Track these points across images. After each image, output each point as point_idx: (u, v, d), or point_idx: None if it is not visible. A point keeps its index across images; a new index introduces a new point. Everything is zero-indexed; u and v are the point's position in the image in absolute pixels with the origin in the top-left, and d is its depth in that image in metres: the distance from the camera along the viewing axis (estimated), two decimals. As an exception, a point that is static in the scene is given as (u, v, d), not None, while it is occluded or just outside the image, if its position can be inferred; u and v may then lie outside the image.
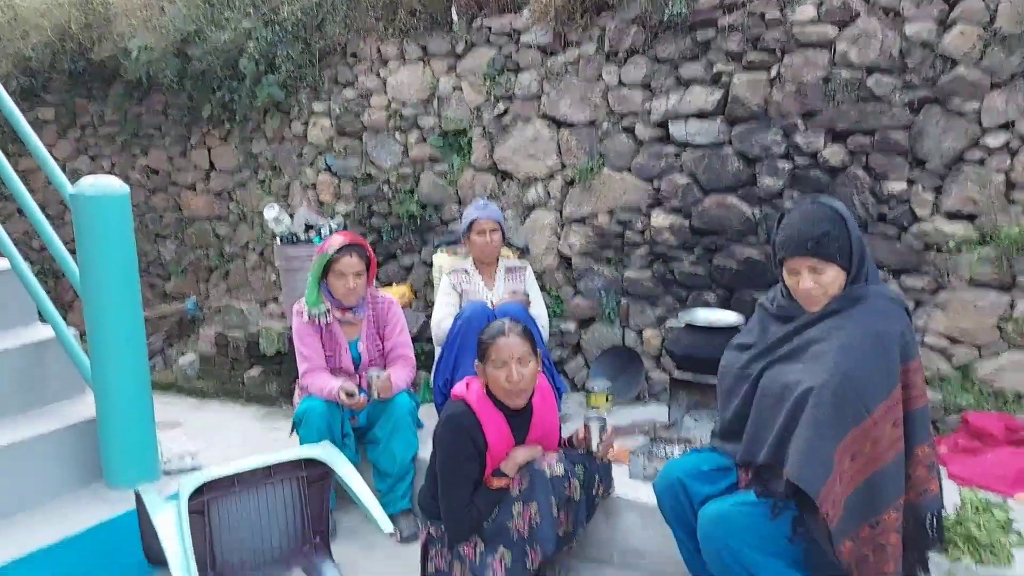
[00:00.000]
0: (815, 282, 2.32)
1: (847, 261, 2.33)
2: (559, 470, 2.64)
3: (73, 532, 2.80)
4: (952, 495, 2.67)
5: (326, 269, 3.38)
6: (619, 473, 3.10)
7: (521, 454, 2.70)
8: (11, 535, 2.76)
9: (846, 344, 2.25)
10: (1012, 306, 3.30)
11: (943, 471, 2.81)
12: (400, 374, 3.44)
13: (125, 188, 3.00)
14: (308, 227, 4.82)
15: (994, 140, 3.26)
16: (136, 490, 2.69)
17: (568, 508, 2.70)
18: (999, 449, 3.01)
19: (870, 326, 2.27)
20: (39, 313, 3.41)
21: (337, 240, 3.39)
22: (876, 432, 2.20)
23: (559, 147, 4.34)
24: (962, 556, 2.40)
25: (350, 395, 3.20)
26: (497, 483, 2.67)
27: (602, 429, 2.82)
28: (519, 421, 2.75)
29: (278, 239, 4.84)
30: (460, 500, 2.64)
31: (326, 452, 2.77)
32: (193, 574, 2.28)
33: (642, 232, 4.13)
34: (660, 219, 4.04)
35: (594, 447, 2.80)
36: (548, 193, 4.42)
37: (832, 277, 2.33)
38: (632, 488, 3.02)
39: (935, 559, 2.41)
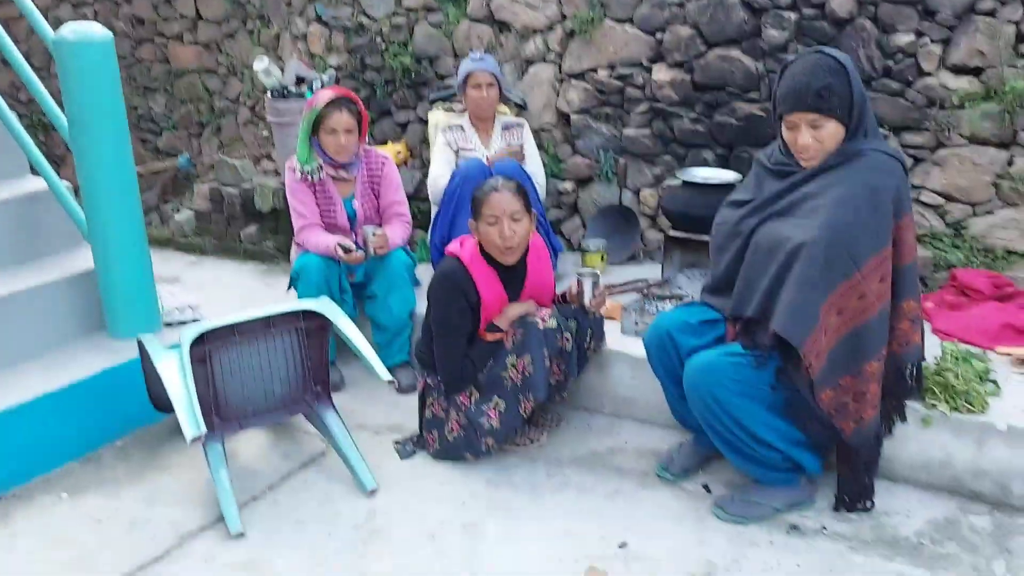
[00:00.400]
0: (813, 138, 2.31)
1: (847, 115, 2.30)
2: (552, 323, 2.70)
3: (79, 378, 2.89)
4: (935, 349, 2.75)
5: (316, 125, 3.32)
6: (611, 328, 3.17)
7: (515, 309, 2.76)
8: (18, 382, 2.85)
9: (840, 199, 2.26)
10: (1010, 163, 3.28)
11: (927, 326, 2.89)
12: (396, 231, 3.45)
13: (109, 34, 2.91)
14: (300, 80, 4.70)
15: (1008, -10, 3.14)
16: (139, 338, 2.74)
17: (561, 359, 2.77)
18: (984, 304, 3.07)
19: (866, 181, 2.27)
20: (31, 167, 3.38)
21: (326, 95, 3.31)
22: (863, 287, 2.24)
23: (559, -5, 4.18)
24: (938, 403, 2.49)
25: (347, 251, 3.22)
26: (491, 337, 2.73)
27: (594, 284, 2.85)
28: (512, 278, 2.79)
29: (269, 93, 4.73)
30: (454, 353, 2.72)
31: (324, 305, 2.81)
32: (198, 417, 2.35)
33: (642, 88, 4.04)
34: (661, 74, 3.94)
35: (586, 302, 2.85)
36: (547, 46, 4.29)
37: (830, 132, 2.31)
38: (622, 342, 3.10)
39: (912, 406, 2.51)
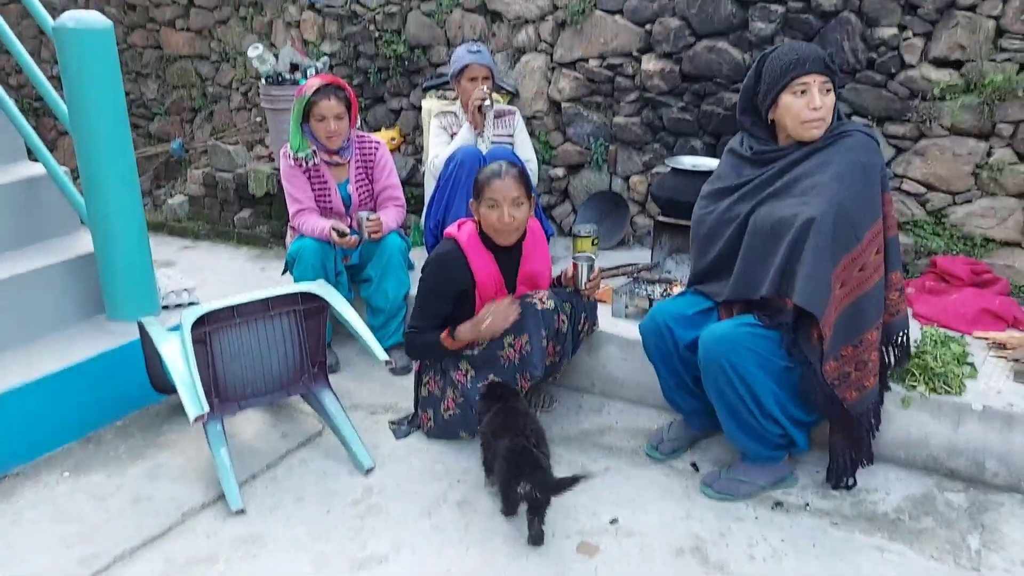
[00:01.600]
0: (823, 103, 2.38)
1: (837, 93, 2.44)
2: (550, 304, 2.77)
3: (80, 360, 2.94)
4: (915, 332, 2.84)
5: (307, 112, 3.37)
6: (602, 311, 3.25)
7: (486, 326, 2.68)
8: (19, 363, 2.89)
9: (838, 175, 2.36)
10: (989, 154, 3.37)
11: (909, 311, 2.98)
12: (390, 215, 3.51)
13: (108, 22, 2.94)
14: (294, 67, 4.75)
15: (988, -16, 3.23)
16: (140, 321, 2.80)
17: (557, 340, 2.85)
18: (964, 290, 3.16)
19: (857, 159, 2.38)
20: (27, 151, 3.42)
21: (314, 82, 3.37)
22: (863, 259, 2.35)
23: (550, -14, 4.23)
24: (918, 384, 2.58)
25: (341, 235, 3.28)
26: (454, 346, 2.75)
27: (590, 268, 2.93)
28: (508, 261, 2.85)
29: (263, 79, 4.76)
30: (420, 327, 2.80)
31: (321, 288, 2.87)
32: (200, 397, 2.41)
33: (632, 77, 4.11)
34: (651, 64, 4.01)
35: (582, 285, 2.93)
36: (539, 35, 4.34)
37: (832, 103, 2.42)
38: (613, 325, 3.18)
39: (894, 388, 2.60)
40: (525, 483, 2.27)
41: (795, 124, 2.43)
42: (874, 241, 2.36)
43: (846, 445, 2.53)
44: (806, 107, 2.39)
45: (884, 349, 2.52)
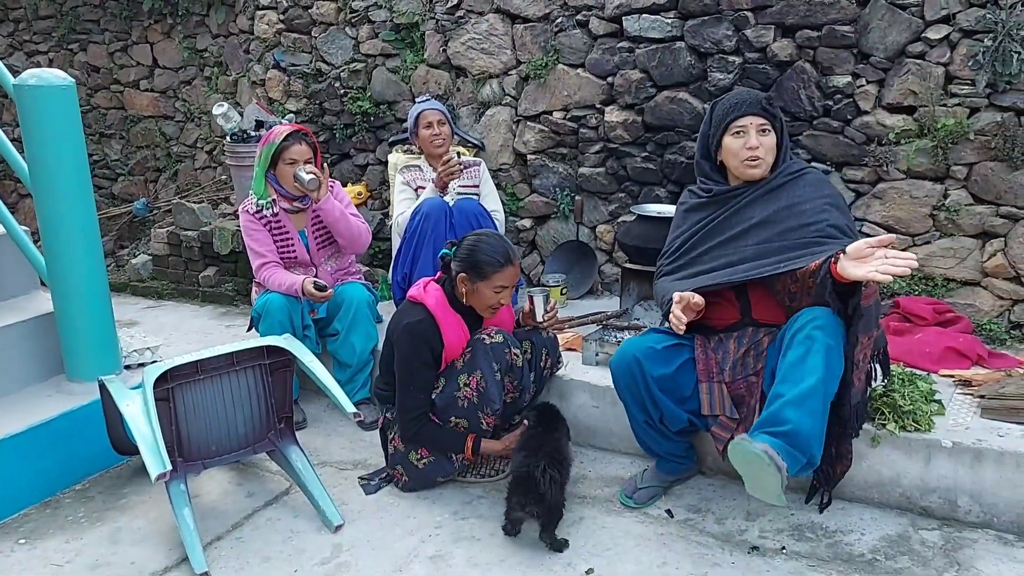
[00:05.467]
0: (760, 143, 2.49)
1: (781, 133, 2.55)
2: (497, 338, 2.76)
3: (38, 421, 2.86)
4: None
5: (274, 159, 3.37)
6: (572, 359, 3.24)
7: (496, 445, 2.80)
8: (-24, 426, 2.81)
9: (822, 206, 2.46)
10: (945, 195, 3.45)
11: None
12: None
13: (70, 79, 2.93)
14: (259, 124, 4.76)
15: (935, 33, 3.34)
16: (100, 380, 2.73)
17: (512, 375, 2.82)
18: (927, 330, 3.21)
19: (827, 192, 2.52)
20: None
21: (283, 129, 3.38)
22: None
23: (513, 42, 4.31)
24: (887, 422, 2.59)
25: (321, 289, 3.24)
26: (468, 452, 2.76)
27: (545, 300, 2.95)
28: (474, 319, 2.84)
29: (228, 137, 4.77)
30: (414, 405, 2.75)
31: (287, 342, 2.83)
32: (163, 454, 2.35)
33: (596, 128, 4.18)
34: (614, 115, 4.09)
35: (539, 317, 2.93)
36: (503, 89, 4.41)
37: (772, 143, 2.54)
38: (583, 372, 3.16)
39: (864, 427, 2.61)
40: (523, 506, 2.45)
41: (736, 163, 2.56)
42: None
43: (826, 472, 2.54)
44: (744, 147, 2.51)
45: (872, 366, 2.55)
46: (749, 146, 2.50)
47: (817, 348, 2.24)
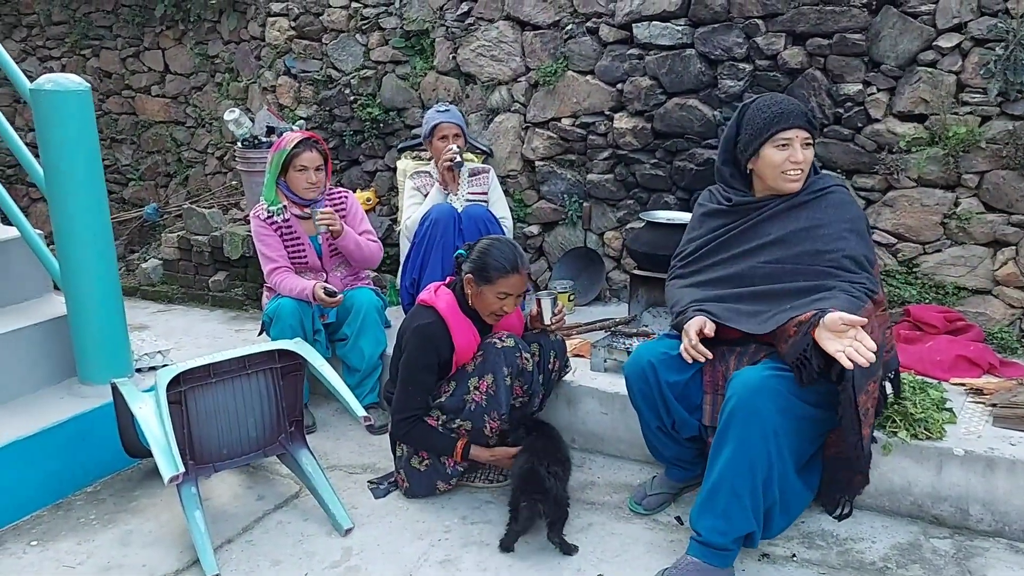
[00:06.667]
0: (804, 156, 2.45)
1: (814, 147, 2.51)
2: (509, 343, 2.76)
3: (51, 424, 2.87)
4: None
5: (285, 166, 3.39)
6: (581, 365, 3.24)
7: (495, 453, 2.82)
8: (-12, 427, 2.82)
9: (844, 231, 2.42)
10: (956, 203, 3.45)
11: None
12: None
13: (85, 84, 2.96)
14: (270, 130, 4.78)
15: (946, 42, 3.35)
16: (113, 382, 2.74)
17: (522, 379, 2.82)
18: (938, 338, 3.20)
19: (851, 214, 2.46)
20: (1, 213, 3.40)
21: (294, 136, 3.41)
22: (880, 302, 2.40)
23: (523, 49, 4.33)
24: (899, 431, 2.58)
25: (331, 295, 3.26)
26: (459, 455, 2.78)
27: (553, 303, 2.96)
28: (484, 324, 2.85)
29: (239, 142, 4.79)
30: (410, 406, 2.77)
31: (299, 346, 2.84)
32: (175, 456, 2.36)
33: (605, 135, 4.19)
34: (623, 122, 4.09)
35: (547, 320, 2.94)
36: (512, 96, 4.43)
37: (811, 157, 2.48)
38: (592, 378, 3.17)
39: (877, 435, 2.61)
40: (530, 502, 2.47)
41: (775, 176, 2.48)
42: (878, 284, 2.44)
43: (844, 482, 2.54)
44: (787, 160, 2.44)
45: (883, 385, 2.55)
46: (794, 160, 2.43)
47: (732, 430, 2.26)
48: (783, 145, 2.44)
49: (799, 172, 2.45)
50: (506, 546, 2.52)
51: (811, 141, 2.47)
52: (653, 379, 2.56)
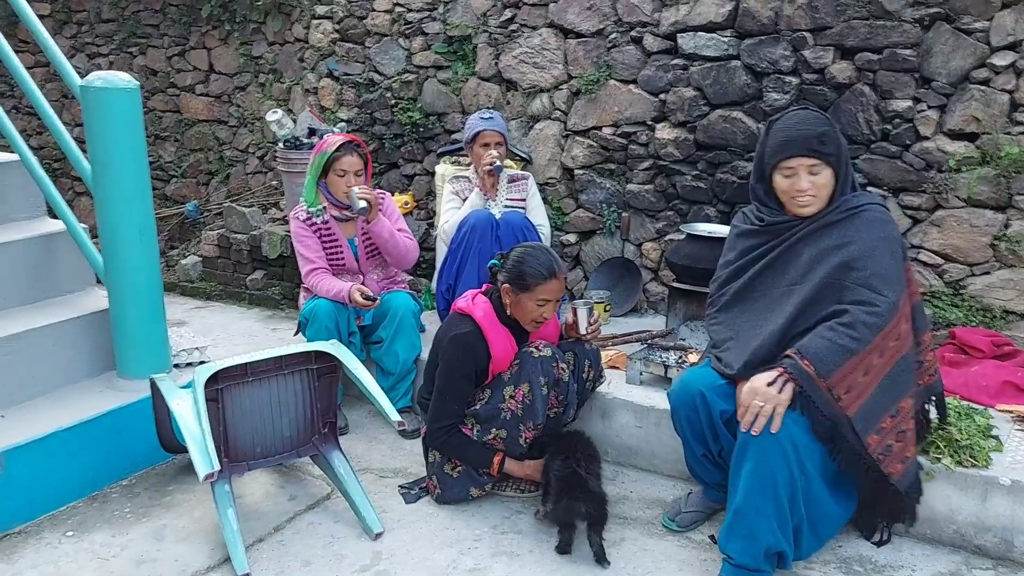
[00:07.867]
0: (810, 183, 2.39)
1: (839, 166, 2.42)
2: (547, 352, 2.74)
3: (89, 416, 2.90)
4: (936, 403, 2.79)
5: (326, 168, 3.41)
6: (616, 377, 3.21)
7: (526, 469, 2.81)
8: (28, 419, 2.86)
9: (866, 249, 2.35)
10: (1007, 225, 3.37)
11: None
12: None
13: (134, 82, 2.99)
14: (311, 132, 4.81)
15: (1001, 60, 3.27)
16: (151, 378, 2.77)
17: (558, 389, 2.79)
18: (984, 362, 3.12)
19: (880, 234, 2.38)
20: (48, 207, 3.45)
21: (336, 139, 3.42)
22: (897, 330, 2.32)
23: (566, 57, 4.31)
24: (943, 457, 2.52)
25: (369, 299, 3.26)
26: (495, 469, 2.78)
27: (589, 312, 2.93)
28: (521, 332, 2.83)
29: (280, 143, 4.83)
30: (447, 414, 2.75)
31: (335, 348, 2.85)
32: (211, 454, 2.37)
33: (646, 145, 4.15)
34: (665, 132, 4.06)
35: (583, 329, 2.91)
36: (553, 104, 4.41)
37: (826, 180, 2.41)
38: (627, 391, 3.13)
39: (920, 461, 2.55)
40: (575, 503, 2.48)
41: (787, 200, 2.47)
42: (903, 311, 2.34)
43: (885, 515, 2.50)
44: (792, 187, 2.42)
45: (923, 409, 2.50)
46: (798, 188, 2.40)
47: (750, 446, 2.27)
48: (788, 174, 2.42)
49: (808, 198, 2.41)
50: (563, 550, 2.55)
51: (820, 168, 2.38)
52: (704, 409, 2.49)
